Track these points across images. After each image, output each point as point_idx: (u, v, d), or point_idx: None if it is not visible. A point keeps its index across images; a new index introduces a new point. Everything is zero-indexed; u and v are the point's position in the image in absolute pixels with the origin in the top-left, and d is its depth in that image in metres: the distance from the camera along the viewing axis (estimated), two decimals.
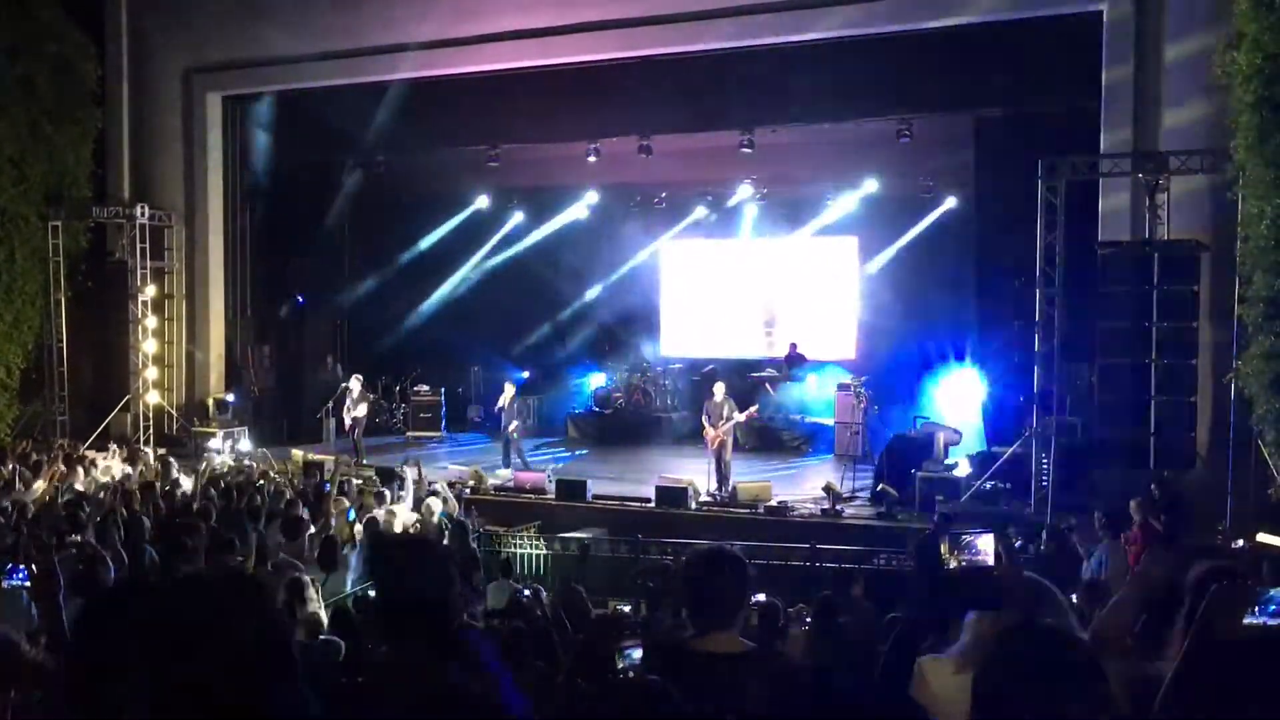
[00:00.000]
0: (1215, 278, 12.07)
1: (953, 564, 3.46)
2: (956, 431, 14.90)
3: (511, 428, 16.16)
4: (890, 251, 19.65)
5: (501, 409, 16.31)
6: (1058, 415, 12.81)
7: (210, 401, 18.33)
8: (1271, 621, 2.67)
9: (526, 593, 8.51)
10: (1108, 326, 12.26)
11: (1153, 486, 10.70)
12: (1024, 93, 14.55)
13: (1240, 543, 10.08)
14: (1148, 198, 12.70)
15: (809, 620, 7.51)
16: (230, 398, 18.40)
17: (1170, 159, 12.34)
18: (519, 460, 16.12)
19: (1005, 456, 13.30)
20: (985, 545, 3.60)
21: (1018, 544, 9.63)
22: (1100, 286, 12.31)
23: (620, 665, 4.94)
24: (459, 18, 16.41)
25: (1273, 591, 2.76)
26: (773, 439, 18.80)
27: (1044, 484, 12.67)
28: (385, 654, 2.86)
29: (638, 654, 4.80)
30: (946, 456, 14.22)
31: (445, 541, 9.96)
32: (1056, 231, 12.71)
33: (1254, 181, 10.65)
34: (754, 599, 7.75)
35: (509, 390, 16.32)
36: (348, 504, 10.95)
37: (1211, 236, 12.26)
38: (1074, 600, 7.84)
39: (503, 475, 15.36)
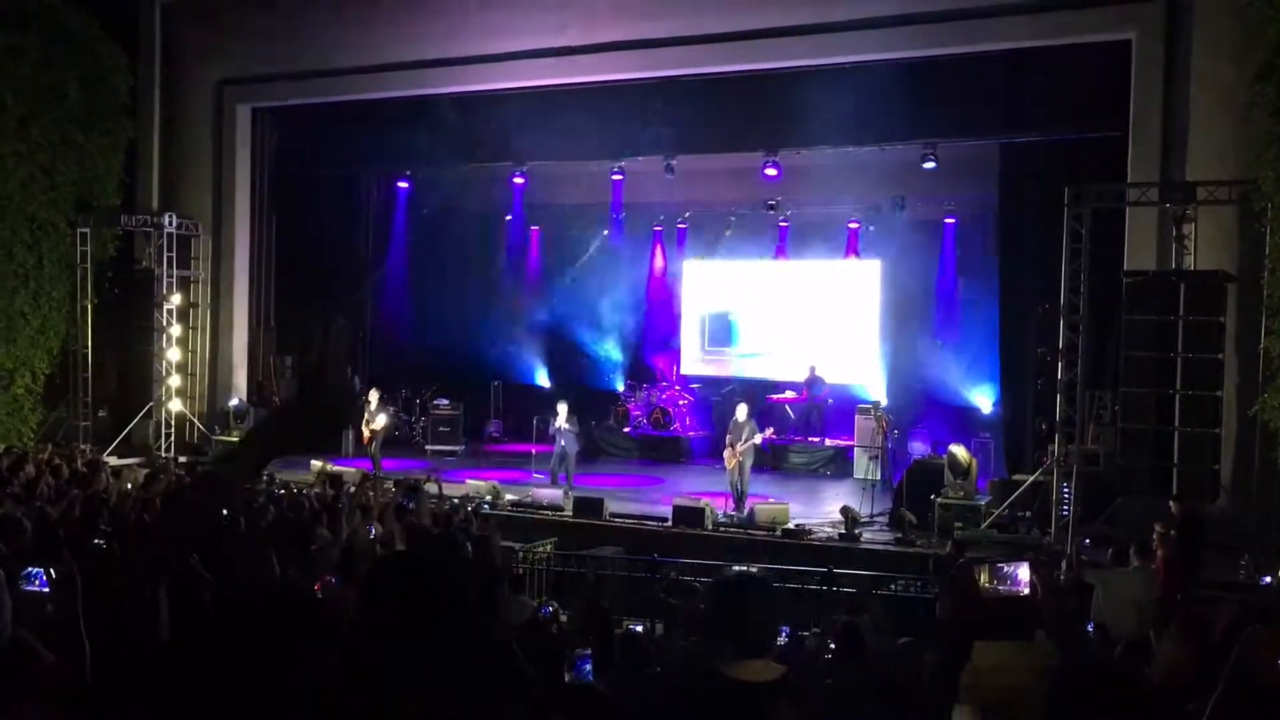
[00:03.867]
0: (1242, 309, 11.99)
1: (989, 592, 3.44)
2: (976, 456, 14.81)
3: (571, 448, 15.88)
4: (913, 276, 19.57)
5: (559, 429, 16.01)
6: (1080, 444, 12.73)
7: (230, 410, 18.43)
8: None
9: (548, 610, 8.49)
10: (1132, 355, 12.18)
11: (1170, 504, 10.60)
12: (1050, 120, 14.52)
13: (1269, 579, 10.01)
14: (1174, 227, 12.64)
15: (830, 644, 7.45)
16: (234, 402, 18.47)
17: (1198, 189, 12.28)
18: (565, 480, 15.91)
19: (1026, 485, 13.21)
20: (1023, 575, 3.58)
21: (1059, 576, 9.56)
22: (1125, 315, 12.25)
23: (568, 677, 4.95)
24: (487, 35, 16.54)
25: None
26: (790, 461, 18.76)
27: (1065, 513, 12.57)
28: None
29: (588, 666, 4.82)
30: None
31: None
32: (1082, 259, 12.65)
33: None
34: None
35: (562, 410, 16.01)
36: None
37: (1239, 268, 12.19)
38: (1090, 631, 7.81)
39: (547, 495, 14.91)
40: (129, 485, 12.85)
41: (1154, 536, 9.98)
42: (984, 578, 3.62)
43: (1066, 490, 12.63)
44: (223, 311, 19.26)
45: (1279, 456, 10.86)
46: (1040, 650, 3.42)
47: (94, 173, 17.41)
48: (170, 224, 18.10)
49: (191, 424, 18.59)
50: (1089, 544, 11.39)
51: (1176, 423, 11.93)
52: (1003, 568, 3.60)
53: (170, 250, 18.12)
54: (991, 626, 3.45)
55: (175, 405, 18.27)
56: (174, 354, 18.34)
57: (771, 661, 3.08)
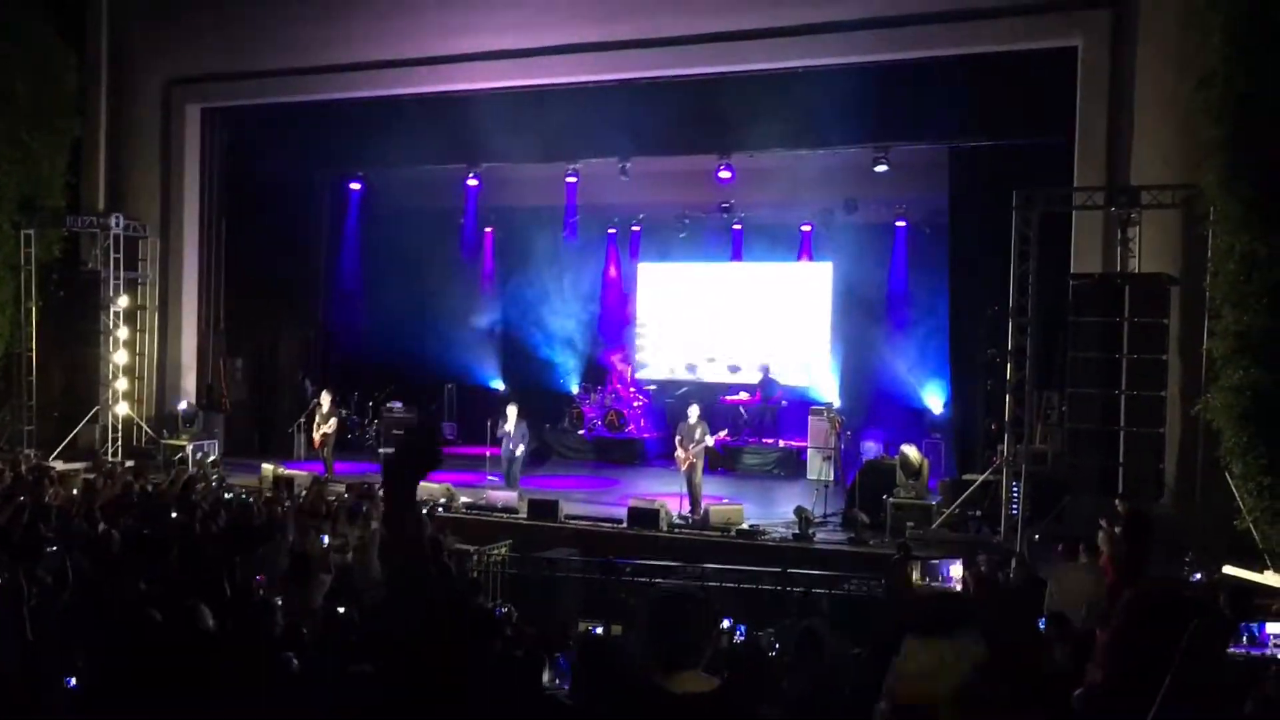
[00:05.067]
0: (1185, 311, 12.23)
1: (921, 589, 3.50)
2: (928, 456, 14.98)
3: (518, 450, 16.00)
4: (865, 278, 19.74)
5: (507, 432, 16.06)
6: (1029, 444, 12.92)
7: (179, 414, 18.18)
8: (1254, 652, 2.73)
9: (503, 610, 8.49)
10: (1078, 357, 12.39)
11: (1117, 502, 10.77)
12: (1000, 124, 14.72)
13: (1199, 576, 10.22)
14: (1120, 231, 12.88)
15: (778, 646, 7.52)
16: (183, 405, 18.24)
17: (1142, 193, 12.52)
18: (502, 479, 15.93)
19: (976, 484, 13.38)
20: (955, 572, 3.64)
21: (984, 569, 9.70)
22: (1072, 317, 12.46)
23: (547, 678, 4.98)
24: (442, 36, 16.46)
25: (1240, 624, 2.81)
26: (744, 462, 18.86)
27: (1014, 512, 12.75)
28: None
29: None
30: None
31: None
32: (1030, 262, 12.85)
33: (1224, 217, 10.82)
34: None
35: (512, 413, 16.04)
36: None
37: (1182, 270, 12.43)
38: (1042, 628, 7.93)
39: (502, 498, 14.83)
40: (75, 491, 12.66)
41: (1100, 534, 10.17)
42: (916, 574, 3.67)
43: (1015, 489, 12.80)
44: (171, 314, 18.98)
45: (1221, 455, 11.06)
46: (970, 650, 3.48)
47: (39, 173, 17.07)
48: (117, 225, 17.81)
49: (139, 428, 18.31)
50: (1038, 540, 11.60)
51: (1122, 423, 12.15)
52: (934, 564, 3.67)
53: (117, 252, 17.83)
54: (923, 622, 3.50)
55: (122, 409, 17.99)
56: (121, 357, 18.05)
57: (701, 674, 3.13)
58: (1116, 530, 9.79)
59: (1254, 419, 10.36)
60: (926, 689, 3.36)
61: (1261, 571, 10.31)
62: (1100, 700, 2.98)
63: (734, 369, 20.86)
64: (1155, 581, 8.14)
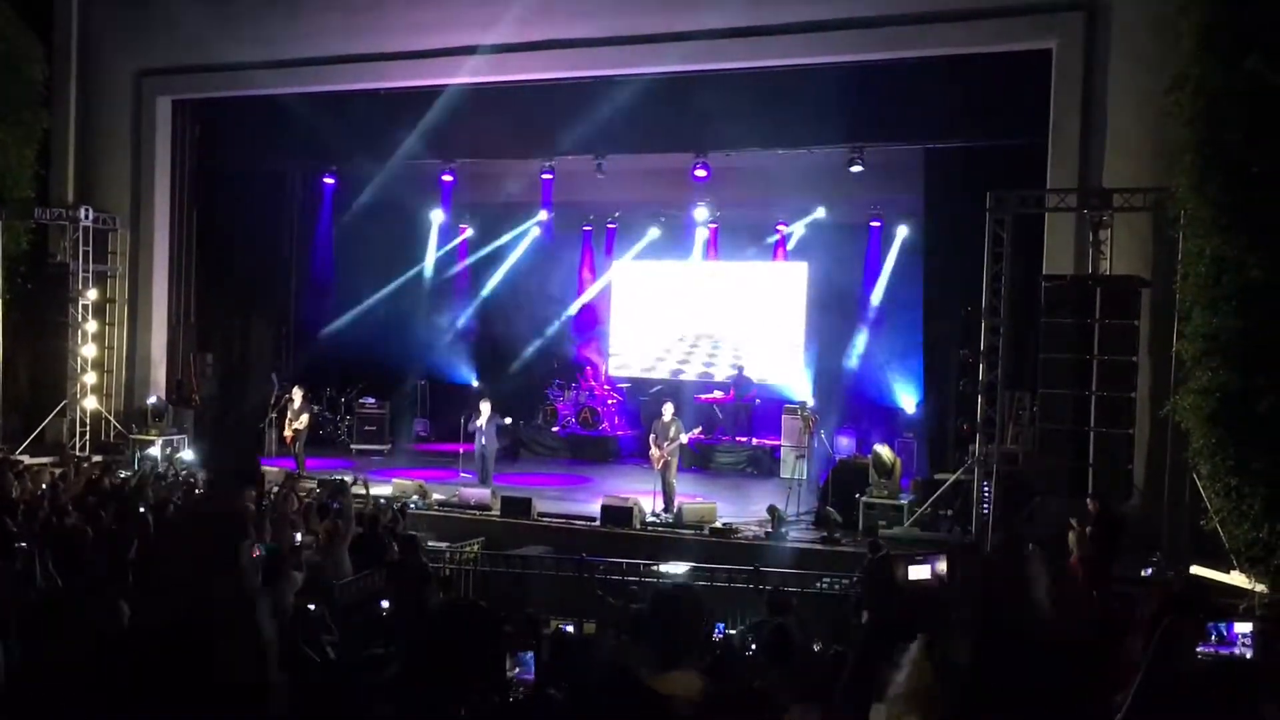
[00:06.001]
0: (1155, 313, 12.33)
1: (907, 586, 3.51)
2: (900, 455, 15.04)
3: (488, 444, 15.93)
4: (839, 278, 19.80)
5: (479, 427, 16.01)
6: (1000, 444, 12.99)
7: (148, 408, 18.01)
8: (1223, 651, 2.75)
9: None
10: (1049, 358, 12.46)
11: (1087, 502, 10.86)
12: (974, 126, 14.79)
13: (1147, 572, 10.33)
14: (1091, 233, 12.96)
15: (754, 646, 7.51)
16: (153, 400, 18.07)
17: (1114, 196, 12.61)
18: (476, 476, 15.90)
19: (948, 484, 13.44)
20: (939, 568, 3.65)
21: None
22: (1044, 318, 12.54)
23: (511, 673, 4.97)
24: (416, 31, 16.37)
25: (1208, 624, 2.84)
26: (718, 460, 18.89)
27: (985, 511, 12.82)
28: None
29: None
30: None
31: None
32: (1003, 263, 12.93)
33: (1195, 220, 10.89)
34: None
35: (485, 408, 15.98)
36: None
37: (1153, 272, 12.53)
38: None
39: (475, 495, 14.78)
40: (42, 486, 12.52)
41: (1070, 535, 10.26)
42: (900, 571, 3.69)
43: (987, 489, 12.88)
44: (141, 307, 18.80)
45: (1189, 456, 11.16)
46: (955, 648, 3.48)
47: (6, 164, 16.79)
48: (86, 218, 17.64)
49: (107, 422, 18.13)
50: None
51: (1092, 423, 12.24)
52: (920, 560, 3.68)
53: (86, 244, 17.66)
54: (908, 620, 3.51)
55: (90, 403, 17.82)
56: (90, 350, 17.88)
57: (694, 673, 3.12)
58: (1087, 530, 9.90)
59: (1222, 420, 10.43)
60: (918, 683, 3.37)
61: (1228, 571, 10.41)
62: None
63: (708, 364, 20.89)
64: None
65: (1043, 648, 2.39)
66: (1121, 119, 13.10)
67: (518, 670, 5.11)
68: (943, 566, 3.56)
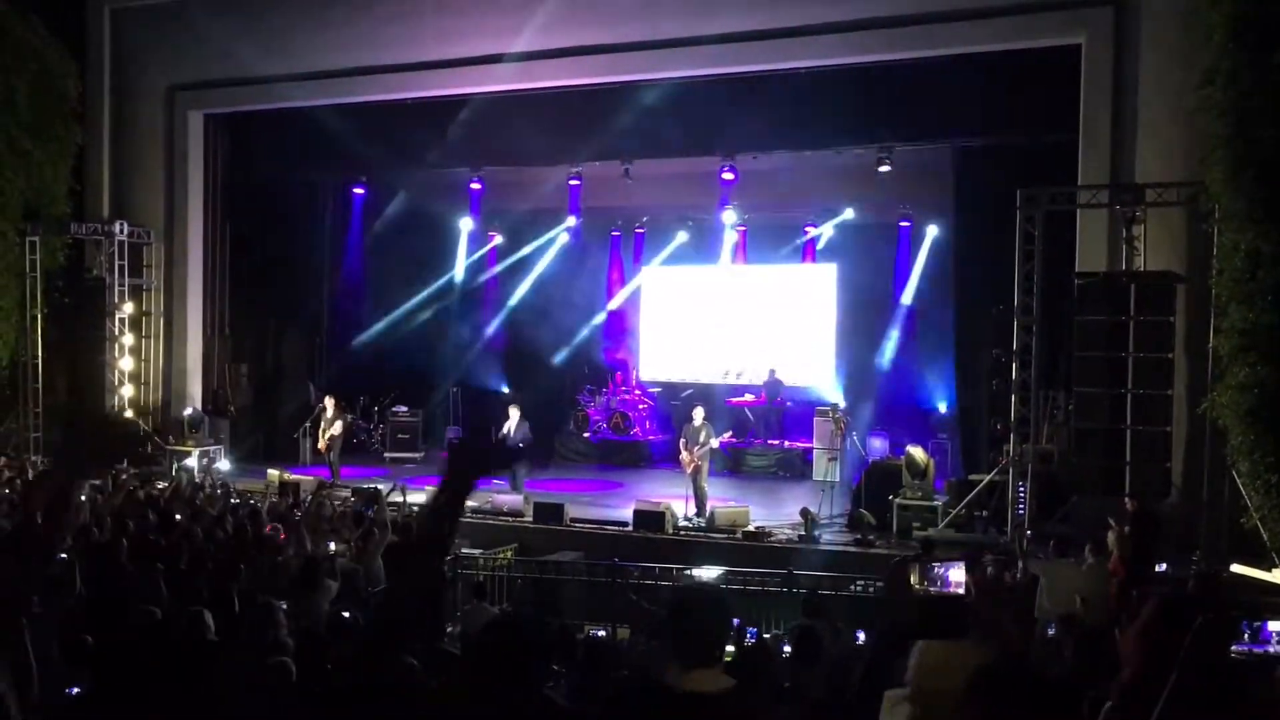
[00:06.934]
0: (1191, 309, 12.19)
1: (920, 592, 3.48)
2: (934, 456, 14.95)
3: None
4: (869, 279, 19.72)
5: (506, 433, 15.81)
6: (1035, 443, 12.88)
7: (185, 419, 18.19)
8: (1258, 649, 2.72)
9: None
10: (1084, 356, 12.33)
11: (1125, 501, 10.73)
12: (1003, 123, 14.68)
13: (1164, 567, 10.21)
14: (1124, 229, 12.83)
15: (787, 648, 7.50)
16: (189, 411, 18.25)
17: (1147, 191, 12.48)
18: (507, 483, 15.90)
19: (983, 484, 13.34)
20: (956, 575, 3.63)
21: (990, 570, 9.68)
22: (1077, 316, 12.42)
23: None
24: (443, 40, 16.46)
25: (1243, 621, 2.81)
26: (750, 464, 18.84)
27: (1020, 512, 12.71)
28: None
29: None
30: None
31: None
32: (1034, 261, 12.82)
33: (1229, 214, 10.78)
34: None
35: (514, 415, 15.91)
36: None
37: (1187, 268, 12.39)
38: (1050, 632, 7.91)
39: (507, 502, 14.67)
40: (81, 497, 12.66)
41: (1109, 534, 10.14)
42: (914, 577, 3.67)
43: (1022, 489, 12.77)
44: (176, 320, 19.01)
45: (1228, 454, 11.02)
46: (975, 652, 3.47)
47: (42, 180, 17.05)
48: (121, 232, 17.87)
49: (145, 434, 18.33)
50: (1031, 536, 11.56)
51: (1128, 421, 12.09)
52: (934, 568, 3.65)
53: (122, 258, 17.89)
54: (923, 624, 3.49)
55: (128, 415, 18.02)
56: (127, 363, 18.11)
57: (720, 673, 3.11)
58: (1125, 530, 9.79)
59: (1260, 416, 10.32)
60: (940, 685, 3.36)
61: (1269, 569, 10.27)
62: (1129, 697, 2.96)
63: (738, 374, 20.84)
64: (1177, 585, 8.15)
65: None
66: (1152, 113, 12.96)
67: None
68: (960, 574, 3.52)
